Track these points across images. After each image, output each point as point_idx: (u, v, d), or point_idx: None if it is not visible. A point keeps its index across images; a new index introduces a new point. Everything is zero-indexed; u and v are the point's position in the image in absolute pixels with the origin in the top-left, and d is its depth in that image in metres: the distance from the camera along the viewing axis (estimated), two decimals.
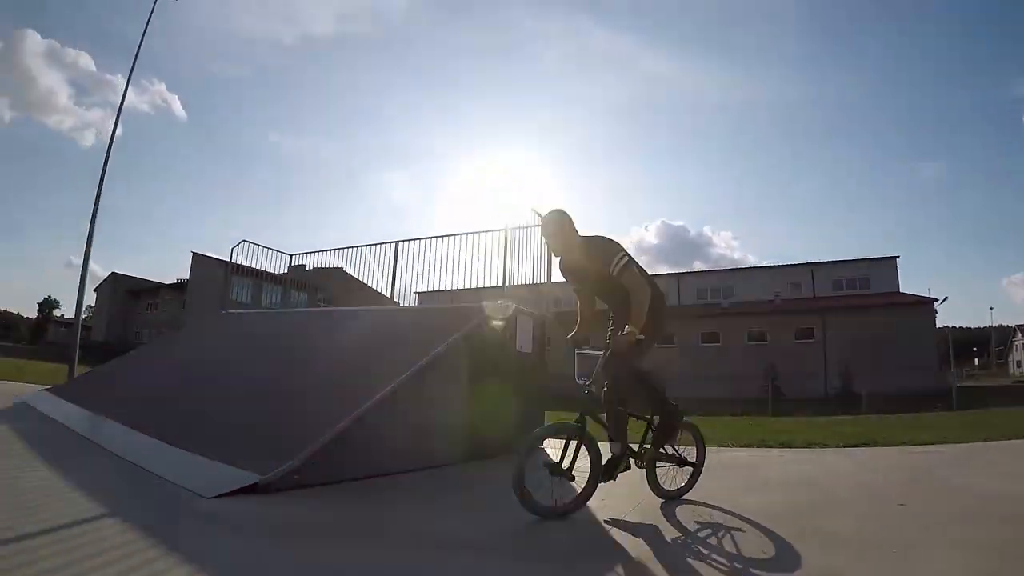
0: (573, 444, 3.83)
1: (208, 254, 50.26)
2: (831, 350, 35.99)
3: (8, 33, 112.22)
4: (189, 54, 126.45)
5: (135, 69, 17.54)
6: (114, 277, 60.51)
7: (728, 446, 7.91)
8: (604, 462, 4.00)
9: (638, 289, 3.97)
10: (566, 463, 3.80)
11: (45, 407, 7.52)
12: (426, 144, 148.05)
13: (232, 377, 6.89)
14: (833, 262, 42.73)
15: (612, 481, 4.02)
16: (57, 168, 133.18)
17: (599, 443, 3.94)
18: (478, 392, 5.94)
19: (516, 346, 6.56)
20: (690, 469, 4.50)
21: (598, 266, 4.07)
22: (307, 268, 13.10)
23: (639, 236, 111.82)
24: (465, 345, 5.93)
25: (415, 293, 11.72)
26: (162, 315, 56.18)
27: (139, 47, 18.28)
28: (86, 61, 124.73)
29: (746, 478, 5.48)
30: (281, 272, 13.11)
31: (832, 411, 19.57)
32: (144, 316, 59.40)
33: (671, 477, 4.40)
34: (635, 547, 3.22)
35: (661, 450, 4.30)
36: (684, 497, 4.39)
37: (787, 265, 44.40)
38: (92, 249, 16.07)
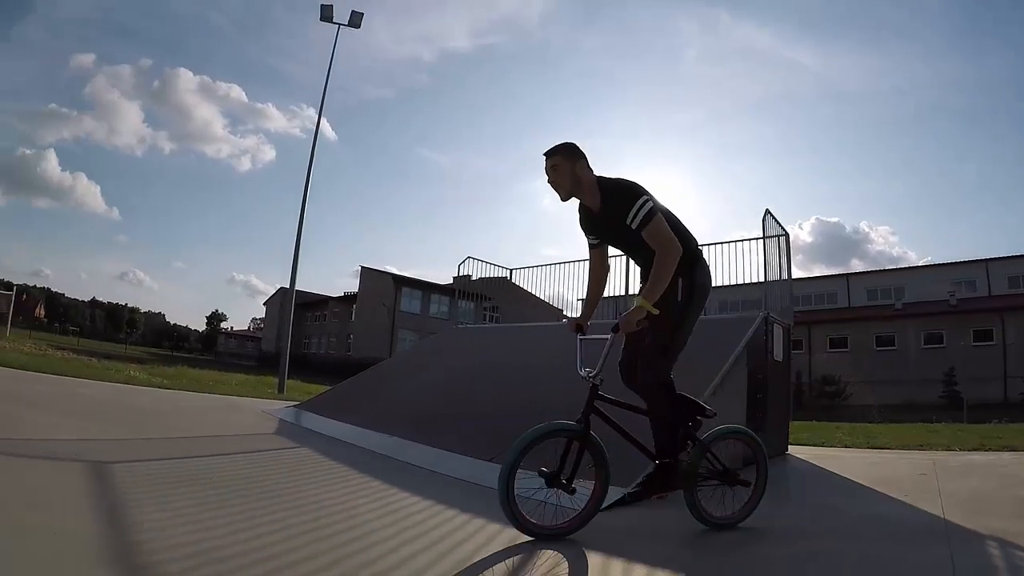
0: (575, 448, 3.24)
1: (375, 267, 53.33)
2: (1011, 353, 33.60)
3: (161, 73, 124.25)
4: (333, 79, 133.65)
5: (316, 100, 19.08)
6: (283, 292, 61.48)
7: (955, 450, 7.87)
8: (645, 476, 3.47)
9: (663, 247, 3.24)
10: (566, 472, 3.21)
11: (315, 425, 7.42)
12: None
13: (500, 390, 6.89)
14: (1009, 257, 39.32)
15: (661, 499, 3.44)
16: (216, 192, 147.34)
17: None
18: (750, 401, 6.31)
19: (773, 355, 6.89)
20: (746, 491, 3.64)
21: (615, 217, 3.37)
22: (472, 278, 13.69)
23: (792, 235, 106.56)
24: (744, 355, 6.24)
25: (578, 300, 11.94)
26: (330, 326, 59.64)
27: (327, 80, 20.28)
28: (237, 93, 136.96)
29: (1004, 476, 5.55)
30: (447, 283, 13.08)
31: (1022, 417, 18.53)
32: (312, 327, 63.02)
33: (718, 500, 3.57)
34: None
35: (703, 464, 3.49)
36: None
37: (959, 262, 41.08)
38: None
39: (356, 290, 56.71)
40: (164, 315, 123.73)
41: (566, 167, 3.39)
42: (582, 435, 3.21)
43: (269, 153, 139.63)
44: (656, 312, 3.14)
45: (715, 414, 3.47)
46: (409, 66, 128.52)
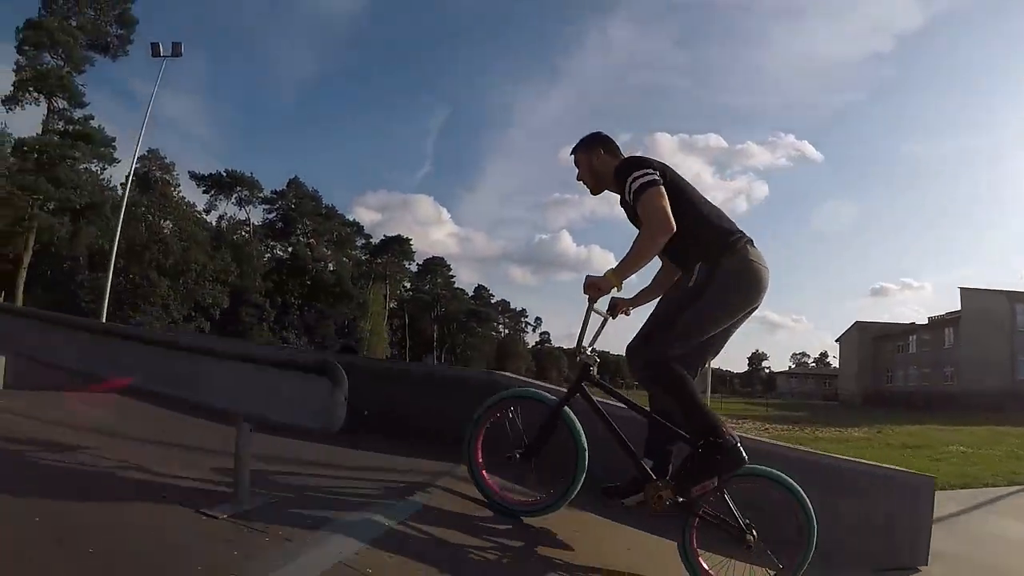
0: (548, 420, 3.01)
1: (979, 287, 48.60)
2: None
3: (642, 143, 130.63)
4: (794, 98, 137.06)
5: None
6: (859, 326, 61.18)
7: None
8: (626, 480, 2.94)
9: (647, 220, 2.86)
10: (530, 441, 3.01)
11: None
12: None
13: None
14: None
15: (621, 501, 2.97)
16: None
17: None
18: None
19: None
20: (783, 554, 2.77)
21: (624, 201, 3.02)
22: None
23: None
24: None
25: None
26: (920, 356, 54.43)
27: None
28: (716, 140, 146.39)
29: None
30: None
31: None
32: (892, 359, 59.36)
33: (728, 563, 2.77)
34: None
35: (704, 509, 2.79)
36: None
37: None
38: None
39: (940, 314, 54.00)
40: None
41: (584, 160, 3.21)
42: (554, 408, 3.00)
43: (761, 189, 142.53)
44: (619, 290, 2.98)
45: (736, 442, 2.77)
46: (870, 62, 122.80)
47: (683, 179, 3.07)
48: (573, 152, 3.25)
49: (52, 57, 45.43)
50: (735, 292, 2.90)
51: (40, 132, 45.29)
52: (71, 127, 46.53)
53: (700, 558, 2.78)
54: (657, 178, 2.87)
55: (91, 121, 47.10)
